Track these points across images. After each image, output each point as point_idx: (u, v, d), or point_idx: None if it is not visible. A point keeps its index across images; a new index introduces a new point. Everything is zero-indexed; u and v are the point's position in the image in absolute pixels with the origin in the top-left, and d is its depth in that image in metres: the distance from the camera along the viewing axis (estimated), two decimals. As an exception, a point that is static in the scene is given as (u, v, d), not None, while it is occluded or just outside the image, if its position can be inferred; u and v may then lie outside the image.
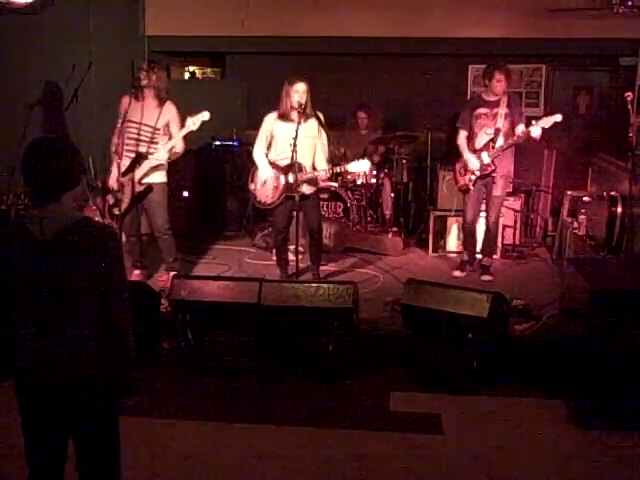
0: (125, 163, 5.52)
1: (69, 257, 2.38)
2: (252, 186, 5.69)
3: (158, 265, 6.16)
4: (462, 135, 6.07)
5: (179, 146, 5.65)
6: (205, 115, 5.54)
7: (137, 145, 5.53)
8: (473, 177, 5.98)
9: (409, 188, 7.63)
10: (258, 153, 5.60)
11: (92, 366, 2.45)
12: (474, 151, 5.96)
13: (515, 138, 5.80)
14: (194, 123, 5.53)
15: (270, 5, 7.94)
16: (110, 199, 5.57)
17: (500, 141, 5.85)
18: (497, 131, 5.86)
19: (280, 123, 5.47)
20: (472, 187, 6.02)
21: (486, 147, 5.90)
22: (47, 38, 6.50)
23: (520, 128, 5.81)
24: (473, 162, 5.94)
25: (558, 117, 5.68)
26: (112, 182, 5.57)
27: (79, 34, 6.95)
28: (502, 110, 5.86)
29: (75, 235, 2.39)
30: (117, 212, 5.59)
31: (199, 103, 6.57)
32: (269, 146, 5.59)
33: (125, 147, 5.54)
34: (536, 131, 5.68)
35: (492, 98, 5.91)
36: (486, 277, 6.09)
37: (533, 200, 7.68)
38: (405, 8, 7.78)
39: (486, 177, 5.97)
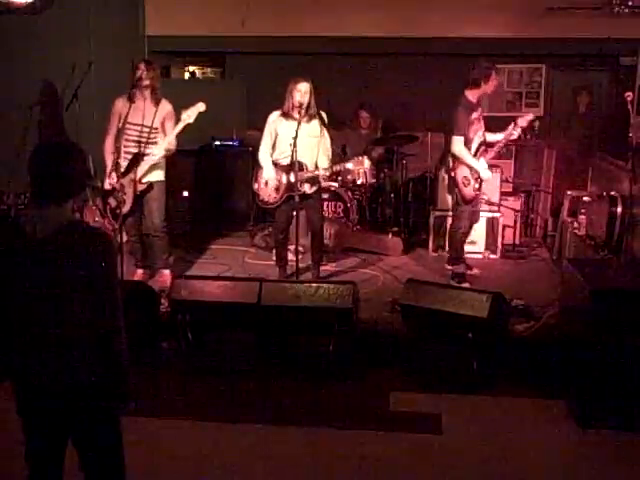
0: (124, 164, 5.50)
1: (59, 258, 2.36)
2: (256, 185, 5.72)
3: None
4: (462, 143, 5.60)
5: (172, 142, 5.60)
6: (200, 106, 5.47)
7: (138, 146, 5.48)
8: (477, 185, 5.72)
9: (409, 188, 7.63)
10: (263, 153, 5.61)
11: (86, 369, 2.43)
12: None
13: (503, 141, 5.78)
14: (189, 116, 5.45)
15: (270, 5, 7.94)
16: (112, 201, 5.52)
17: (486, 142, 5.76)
18: (484, 134, 5.75)
19: (283, 121, 5.49)
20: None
21: (482, 153, 5.72)
22: (47, 38, 6.50)
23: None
24: (487, 173, 5.68)
25: (530, 116, 5.78)
26: (112, 183, 5.54)
27: (79, 34, 6.95)
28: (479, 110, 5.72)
29: (66, 236, 2.37)
30: (119, 212, 5.58)
31: (199, 103, 6.46)
32: (273, 145, 5.60)
33: (124, 149, 5.51)
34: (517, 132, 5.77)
35: (475, 99, 5.65)
36: (475, 271, 6.16)
37: (533, 200, 7.68)
38: (405, 8, 7.79)
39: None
